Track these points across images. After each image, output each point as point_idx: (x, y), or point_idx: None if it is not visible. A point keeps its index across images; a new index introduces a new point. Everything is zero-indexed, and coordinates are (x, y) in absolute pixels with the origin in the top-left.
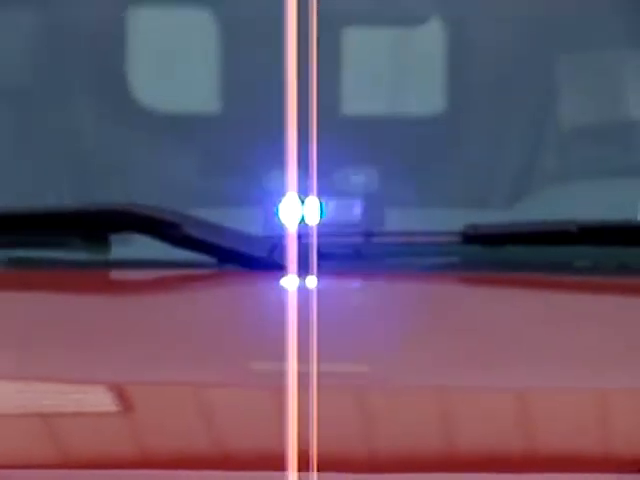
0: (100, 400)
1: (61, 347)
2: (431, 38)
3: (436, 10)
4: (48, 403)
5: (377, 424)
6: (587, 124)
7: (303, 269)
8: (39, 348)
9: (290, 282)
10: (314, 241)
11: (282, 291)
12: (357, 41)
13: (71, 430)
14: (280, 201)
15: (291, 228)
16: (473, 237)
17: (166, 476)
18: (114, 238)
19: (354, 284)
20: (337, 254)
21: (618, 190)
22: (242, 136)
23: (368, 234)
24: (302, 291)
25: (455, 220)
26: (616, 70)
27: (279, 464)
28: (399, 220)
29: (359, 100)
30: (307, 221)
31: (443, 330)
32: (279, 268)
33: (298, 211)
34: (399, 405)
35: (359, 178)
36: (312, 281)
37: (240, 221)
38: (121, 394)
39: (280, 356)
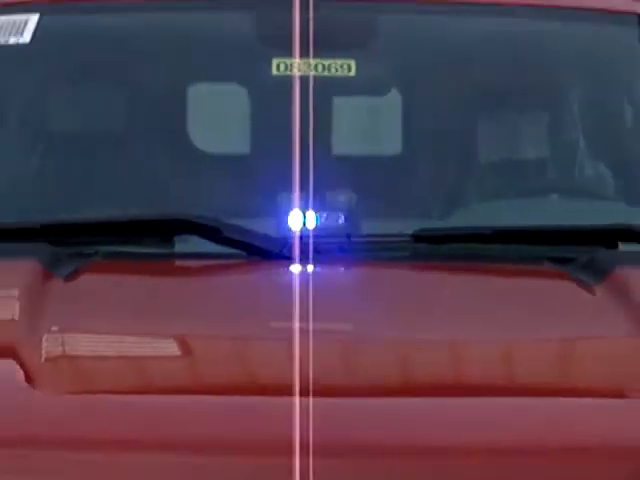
0: (171, 344)
1: (143, 311)
2: (391, 104)
3: (394, 86)
4: (142, 347)
5: (353, 362)
6: (499, 161)
7: (304, 259)
8: (130, 312)
9: (295, 268)
10: (311, 241)
11: (290, 274)
12: (342, 105)
13: (158, 363)
14: (289, 214)
15: (296, 232)
16: (420, 238)
17: (213, 399)
18: (177, 238)
19: (339, 270)
20: (327, 250)
21: (520, 206)
22: (264, 169)
23: (349, 236)
24: (303, 274)
25: (408, 226)
26: (519, 125)
27: (287, 391)
28: (370, 227)
29: (344, 145)
30: (307, 227)
31: (398, 298)
32: (288, 259)
33: (301, 221)
34: (370, 349)
35: (343, 198)
36: (309, 267)
37: (262, 227)
38: (185, 340)
39: (288, 315)
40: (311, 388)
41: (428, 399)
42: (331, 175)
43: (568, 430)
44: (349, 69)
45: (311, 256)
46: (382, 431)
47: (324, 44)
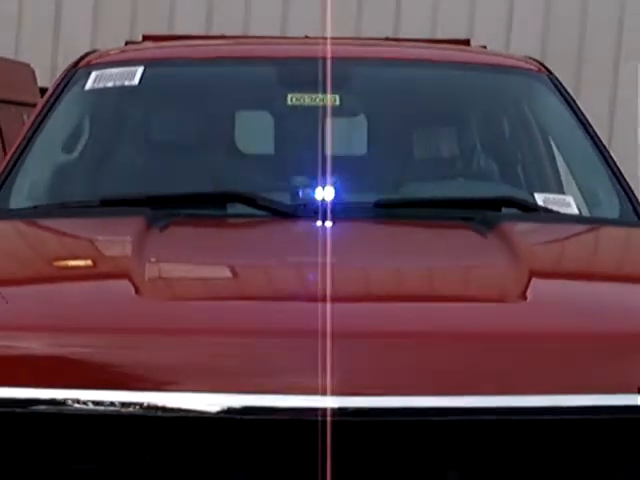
0: (229, 268)
1: (210, 248)
2: (361, 122)
3: (362, 111)
4: (211, 269)
5: (348, 278)
6: (427, 158)
7: (309, 218)
8: (201, 249)
9: (304, 223)
10: (313, 207)
11: (300, 226)
12: (331, 123)
13: (220, 279)
14: (299, 190)
15: (304, 201)
16: (380, 204)
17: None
18: (229, 205)
19: (330, 224)
20: (323, 212)
21: (441, 185)
22: (283, 163)
23: (339, 204)
24: (308, 226)
25: (373, 197)
26: (440, 136)
27: (312, 298)
28: (349, 198)
29: (332, 147)
30: (315, 198)
31: (366, 241)
32: (299, 217)
33: (307, 194)
34: (357, 270)
35: (332, 180)
36: (313, 223)
37: (282, 198)
38: (237, 266)
39: (304, 252)
40: (328, 292)
41: (390, 303)
42: (324, 166)
43: (465, 322)
44: (335, 100)
45: (313, 216)
46: (369, 321)
47: (320, 85)
